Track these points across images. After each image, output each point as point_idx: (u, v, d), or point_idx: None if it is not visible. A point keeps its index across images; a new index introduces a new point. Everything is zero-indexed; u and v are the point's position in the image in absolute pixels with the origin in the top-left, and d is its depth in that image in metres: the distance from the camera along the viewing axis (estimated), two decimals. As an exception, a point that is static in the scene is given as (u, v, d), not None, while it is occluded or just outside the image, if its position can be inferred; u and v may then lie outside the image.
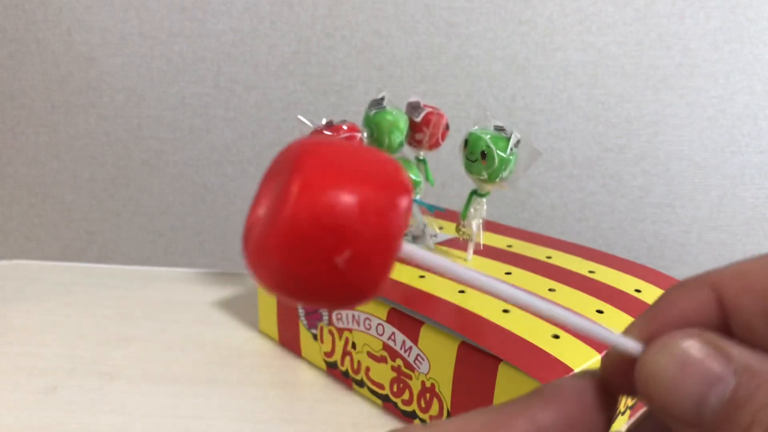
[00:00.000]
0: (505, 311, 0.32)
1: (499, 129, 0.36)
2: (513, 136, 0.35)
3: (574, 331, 0.14)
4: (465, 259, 0.40)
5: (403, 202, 0.12)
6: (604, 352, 0.29)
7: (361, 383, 0.37)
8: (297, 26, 0.67)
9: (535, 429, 0.13)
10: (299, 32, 0.68)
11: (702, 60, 0.66)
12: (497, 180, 0.36)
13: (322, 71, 0.69)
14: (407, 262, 0.13)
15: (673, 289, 0.15)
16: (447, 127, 0.44)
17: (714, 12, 0.65)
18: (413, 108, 0.43)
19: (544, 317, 0.14)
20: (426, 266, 0.13)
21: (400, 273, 0.37)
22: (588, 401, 0.14)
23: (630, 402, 0.33)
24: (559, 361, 0.28)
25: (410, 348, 0.33)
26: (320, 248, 0.12)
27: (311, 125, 0.40)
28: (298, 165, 0.12)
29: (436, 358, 0.32)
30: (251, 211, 0.13)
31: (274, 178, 0.13)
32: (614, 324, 0.32)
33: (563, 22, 0.66)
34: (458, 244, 0.42)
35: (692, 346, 0.13)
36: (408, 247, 0.13)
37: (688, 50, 0.66)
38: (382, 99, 0.42)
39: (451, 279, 0.14)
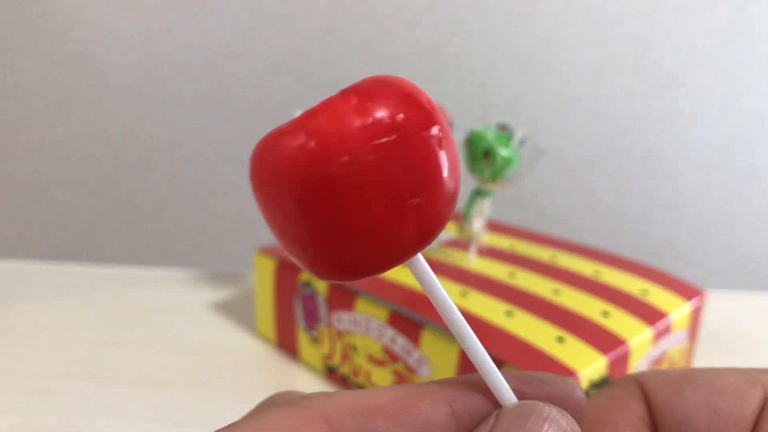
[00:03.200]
0: (509, 313, 0.31)
1: (502, 127, 0.35)
2: (516, 134, 0.35)
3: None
4: (468, 260, 0.39)
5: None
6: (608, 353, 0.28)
7: (360, 387, 0.36)
8: (295, 22, 0.67)
9: (442, 413, 0.13)
10: (297, 28, 0.67)
11: (708, 57, 0.65)
12: (500, 179, 0.36)
13: (321, 68, 0.68)
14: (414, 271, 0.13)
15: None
16: (449, 125, 0.43)
17: (721, 9, 0.64)
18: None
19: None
20: (422, 284, 0.13)
21: (400, 274, 0.36)
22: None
23: None
24: (563, 364, 0.27)
25: (411, 351, 0.32)
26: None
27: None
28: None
29: (438, 362, 0.31)
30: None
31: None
32: (620, 326, 0.31)
33: (567, 18, 0.65)
34: (460, 244, 0.41)
35: None
36: (419, 261, 0.13)
37: (694, 47, 0.65)
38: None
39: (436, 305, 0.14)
